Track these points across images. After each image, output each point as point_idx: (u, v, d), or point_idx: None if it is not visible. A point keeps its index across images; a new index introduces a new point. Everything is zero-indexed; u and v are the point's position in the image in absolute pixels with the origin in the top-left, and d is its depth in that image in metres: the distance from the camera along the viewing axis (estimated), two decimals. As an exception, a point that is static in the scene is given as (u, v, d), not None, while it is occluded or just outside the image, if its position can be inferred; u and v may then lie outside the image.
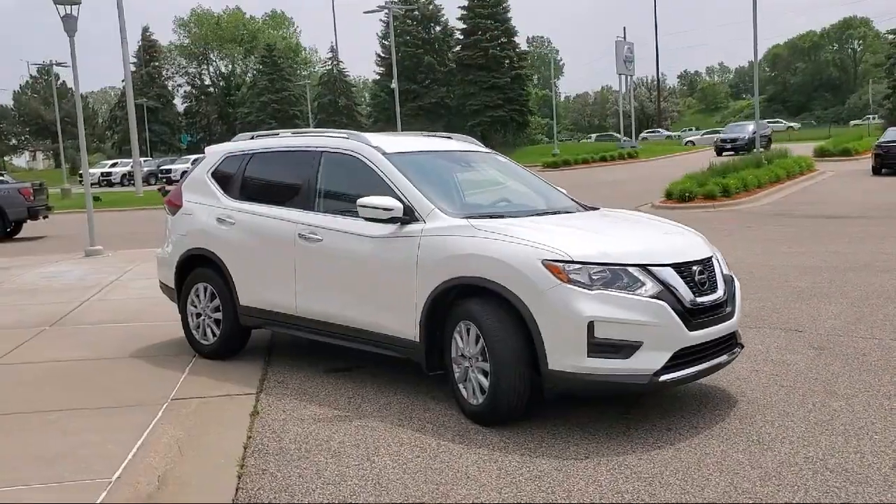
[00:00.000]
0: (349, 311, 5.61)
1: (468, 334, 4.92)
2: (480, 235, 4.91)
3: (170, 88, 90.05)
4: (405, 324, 5.25)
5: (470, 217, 5.19)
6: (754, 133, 40.44)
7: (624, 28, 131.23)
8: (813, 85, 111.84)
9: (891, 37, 67.82)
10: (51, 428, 5.11)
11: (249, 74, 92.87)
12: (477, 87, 66.08)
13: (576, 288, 4.49)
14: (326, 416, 5.19)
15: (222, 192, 6.72)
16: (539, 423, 4.88)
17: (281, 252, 6.04)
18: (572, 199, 6.16)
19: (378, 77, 75.85)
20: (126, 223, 23.77)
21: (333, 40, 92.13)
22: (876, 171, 26.98)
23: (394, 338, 5.35)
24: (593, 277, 4.55)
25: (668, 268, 4.71)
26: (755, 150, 35.19)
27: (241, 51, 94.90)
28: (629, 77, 65.58)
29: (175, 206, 7.10)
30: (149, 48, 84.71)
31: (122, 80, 41.86)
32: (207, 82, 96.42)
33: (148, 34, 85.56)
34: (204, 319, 6.75)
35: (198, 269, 6.78)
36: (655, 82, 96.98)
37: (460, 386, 5.03)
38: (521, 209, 5.72)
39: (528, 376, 4.69)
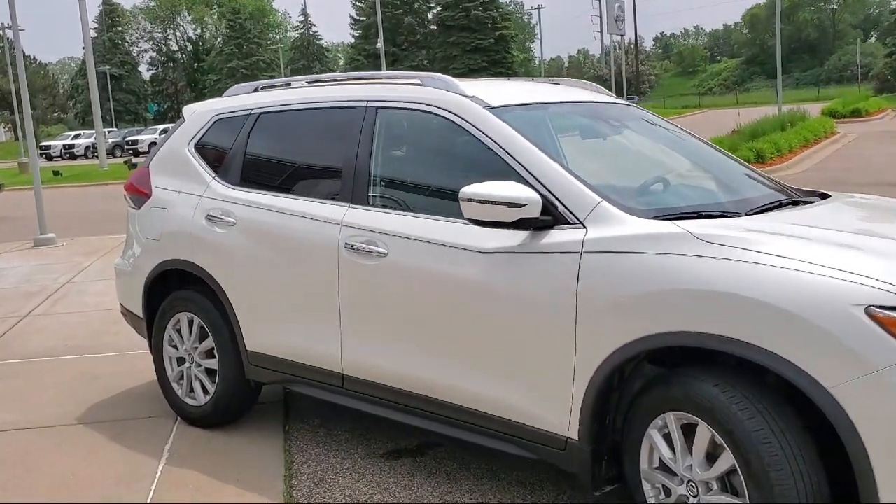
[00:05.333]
0: (439, 375, 3.34)
1: (689, 438, 2.69)
2: (710, 253, 2.64)
3: (134, 55, 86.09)
4: (550, 406, 3.00)
5: (669, 217, 2.93)
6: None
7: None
8: (791, 47, 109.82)
9: None
10: None
11: (219, 39, 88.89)
12: (459, 48, 63.20)
13: None
14: (420, 575, 2.94)
15: (213, 174, 4.37)
16: None
17: (315, 271, 3.75)
18: (768, 178, 3.90)
19: (354, 41, 72.65)
20: (88, 201, 21.10)
21: (304, 2, 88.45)
22: (904, 131, 25.10)
23: (526, 428, 3.10)
24: None
25: None
26: None
27: (212, 14, 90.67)
28: (620, 37, 62.74)
29: (140, 195, 4.74)
30: (110, 12, 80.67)
31: (83, 47, 38.51)
32: (175, 48, 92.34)
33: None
34: (190, 368, 4.44)
35: (179, 293, 4.45)
36: (633, 45, 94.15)
37: (664, 524, 2.80)
38: (729, 199, 3.43)
39: (830, 529, 2.47)
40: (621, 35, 62.66)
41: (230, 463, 3.97)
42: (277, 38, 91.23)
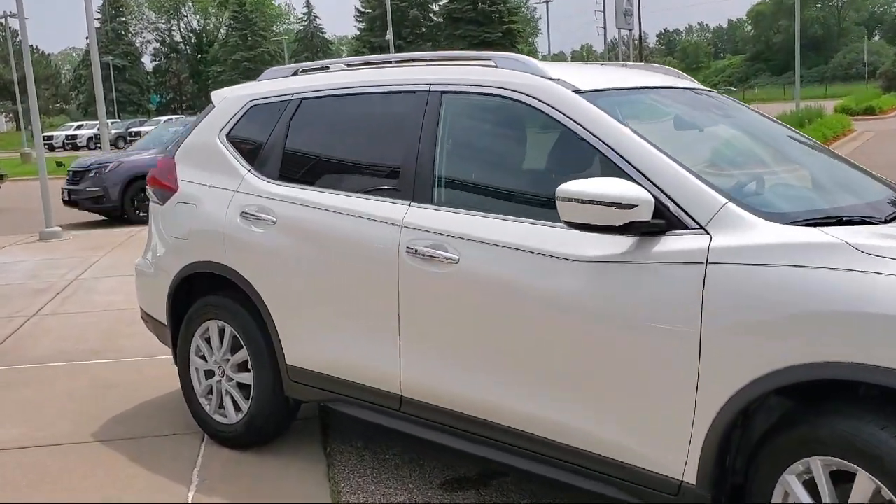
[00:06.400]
0: (522, 403, 2.89)
1: (839, 486, 2.24)
2: (874, 268, 2.17)
3: (137, 45, 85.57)
4: (662, 445, 2.55)
5: (808, 222, 2.48)
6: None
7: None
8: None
9: None
10: None
11: (223, 30, 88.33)
12: (466, 42, 62.56)
13: None
14: None
15: (248, 167, 3.91)
16: None
17: (369, 277, 3.30)
18: (879, 177, 3.44)
19: (358, 33, 72.14)
20: (92, 193, 20.58)
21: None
22: (925, 130, 24.64)
23: (629, 468, 2.65)
24: None
25: None
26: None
27: (215, 4, 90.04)
28: (629, 32, 62.10)
29: (164, 189, 4.28)
30: (114, 2, 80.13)
31: (87, 37, 38.07)
32: (178, 39, 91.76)
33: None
34: (220, 383, 3.99)
35: (209, 298, 4.00)
36: (637, 41, 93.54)
37: (805, 589, 2.35)
38: (861, 202, 2.96)
39: None
40: (629, 30, 61.94)
41: (269, 492, 3.52)
42: (281, 29, 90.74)
